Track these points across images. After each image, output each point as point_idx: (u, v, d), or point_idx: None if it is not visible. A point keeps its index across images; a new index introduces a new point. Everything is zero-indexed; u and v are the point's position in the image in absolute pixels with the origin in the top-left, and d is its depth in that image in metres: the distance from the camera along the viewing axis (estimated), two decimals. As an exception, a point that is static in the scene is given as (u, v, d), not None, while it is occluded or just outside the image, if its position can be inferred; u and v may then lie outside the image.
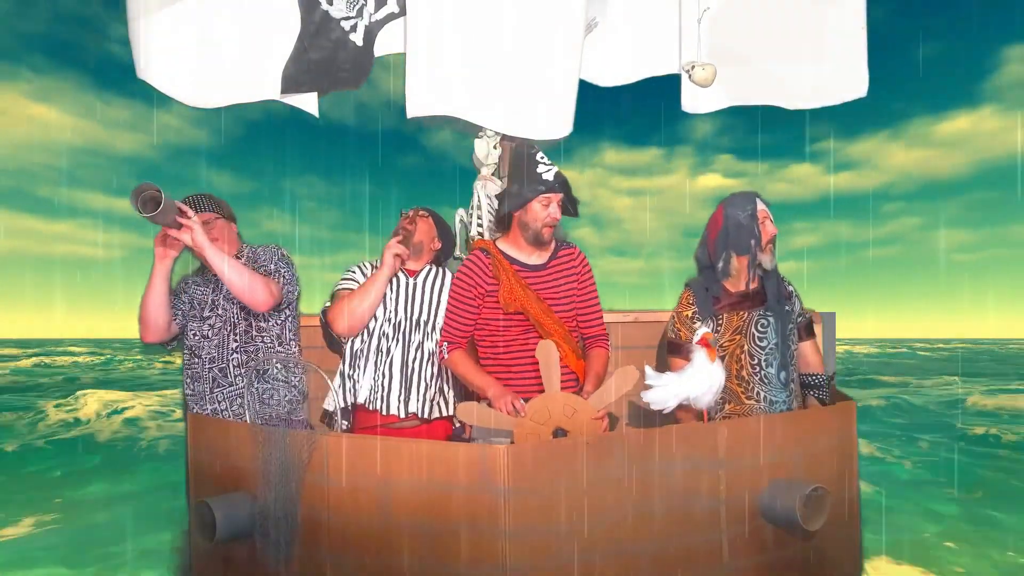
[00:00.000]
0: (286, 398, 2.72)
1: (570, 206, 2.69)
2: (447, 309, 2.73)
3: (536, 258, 2.70)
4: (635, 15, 3.44)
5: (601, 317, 2.78)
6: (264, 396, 2.66)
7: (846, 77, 3.41)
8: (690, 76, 3.22)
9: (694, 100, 3.45)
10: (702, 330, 2.47)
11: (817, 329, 3.25)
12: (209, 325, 2.69)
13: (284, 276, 2.71)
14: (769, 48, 3.39)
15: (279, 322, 2.75)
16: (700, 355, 2.43)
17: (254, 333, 2.70)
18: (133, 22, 3.05)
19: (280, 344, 2.75)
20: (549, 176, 2.59)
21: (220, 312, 2.70)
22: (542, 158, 2.64)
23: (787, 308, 2.72)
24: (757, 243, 2.63)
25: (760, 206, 2.65)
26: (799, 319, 2.79)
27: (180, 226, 2.40)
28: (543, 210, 2.60)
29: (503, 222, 2.72)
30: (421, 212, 2.98)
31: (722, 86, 3.30)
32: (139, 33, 3.04)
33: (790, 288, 2.79)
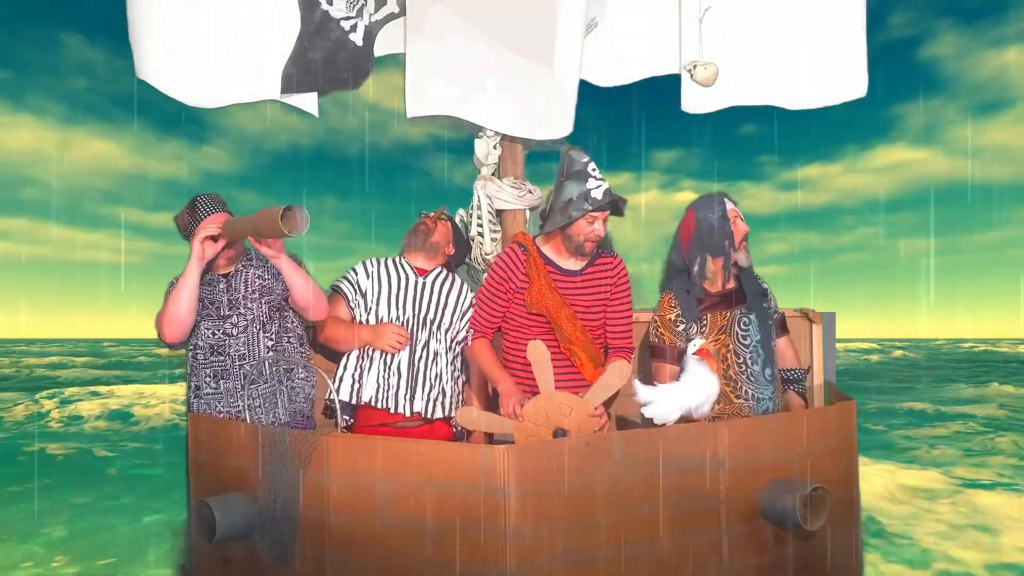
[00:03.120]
0: (310, 395, 2.81)
1: (616, 213, 2.68)
2: (477, 297, 2.76)
3: (573, 263, 2.69)
4: (635, 15, 3.43)
5: (630, 329, 2.77)
6: (292, 394, 2.74)
7: (846, 77, 3.40)
8: (692, 75, 3.21)
9: (694, 100, 3.44)
10: (699, 341, 2.48)
11: (816, 330, 3.25)
12: (232, 323, 2.71)
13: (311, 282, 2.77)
14: (769, 48, 3.38)
15: (302, 323, 2.84)
16: (699, 366, 2.44)
17: (282, 334, 2.76)
18: (133, 22, 3.04)
19: (301, 345, 2.84)
20: (599, 194, 2.55)
21: (243, 311, 2.72)
22: (593, 170, 2.59)
23: (765, 305, 2.74)
24: (731, 243, 2.64)
25: (729, 205, 2.66)
26: (774, 315, 2.81)
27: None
28: (588, 226, 2.59)
29: (547, 226, 2.69)
30: (443, 215, 2.99)
31: (722, 86, 3.29)
32: (139, 33, 3.04)
33: (764, 286, 2.81)
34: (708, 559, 2.20)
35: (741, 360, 2.64)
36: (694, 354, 2.46)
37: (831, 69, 3.40)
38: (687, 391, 2.42)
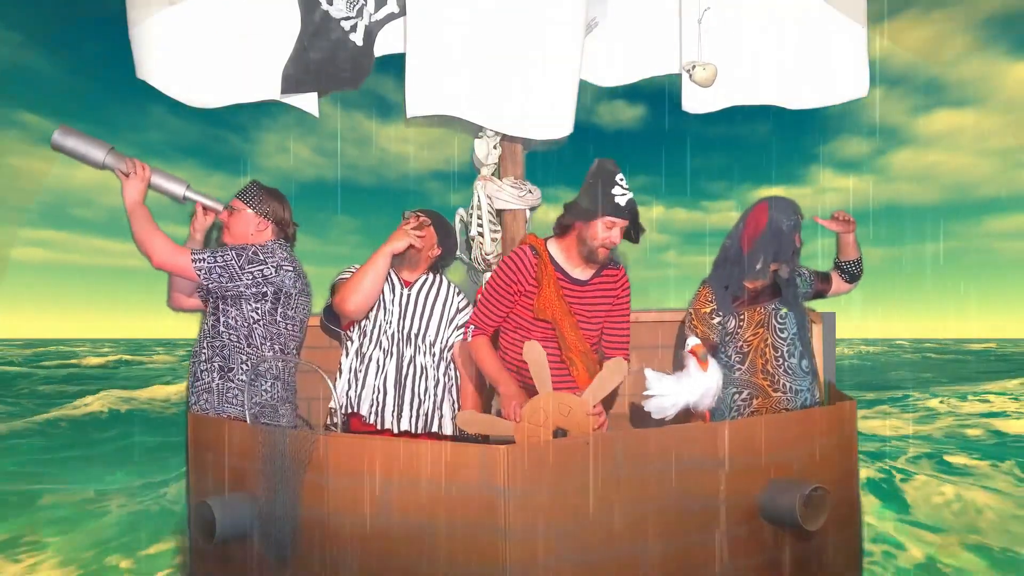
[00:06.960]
0: (253, 400, 2.60)
1: (633, 233, 2.67)
2: (483, 294, 2.75)
3: (581, 272, 2.70)
4: (635, 15, 3.43)
5: (627, 340, 2.79)
6: (228, 396, 2.59)
7: (846, 77, 3.40)
8: (691, 76, 3.21)
9: (694, 100, 3.43)
10: (692, 341, 2.51)
11: (816, 329, 3.26)
12: (208, 314, 2.69)
13: (217, 260, 2.54)
14: (769, 48, 3.38)
15: (246, 324, 2.61)
16: (691, 363, 2.50)
17: (221, 329, 2.61)
18: (133, 22, 3.04)
19: (248, 345, 2.61)
20: (621, 202, 2.56)
21: (206, 303, 2.68)
22: (621, 179, 2.60)
23: (802, 294, 2.81)
24: (796, 254, 2.71)
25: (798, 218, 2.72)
26: (811, 279, 2.89)
27: (126, 174, 2.64)
28: (604, 231, 2.58)
29: (563, 227, 2.70)
30: (423, 222, 2.91)
31: (722, 86, 3.29)
32: (139, 33, 3.04)
33: (800, 269, 2.87)
34: (708, 559, 2.20)
35: (779, 354, 2.69)
36: (687, 351, 2.49)
37: (831, 69, 3.40)
38: (684, 388, 2.45)
